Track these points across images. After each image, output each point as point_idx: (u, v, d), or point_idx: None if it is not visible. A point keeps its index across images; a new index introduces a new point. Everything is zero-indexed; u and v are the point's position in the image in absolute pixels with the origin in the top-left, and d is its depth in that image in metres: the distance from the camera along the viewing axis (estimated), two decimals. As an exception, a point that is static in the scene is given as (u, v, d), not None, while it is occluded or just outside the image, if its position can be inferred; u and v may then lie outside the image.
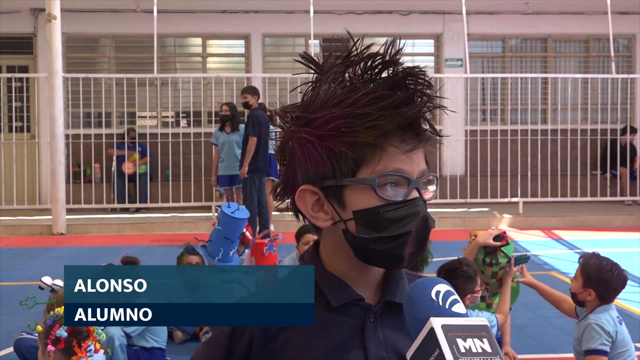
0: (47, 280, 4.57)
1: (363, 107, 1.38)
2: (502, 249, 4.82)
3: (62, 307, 3.83)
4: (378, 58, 1.43)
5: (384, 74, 1.43)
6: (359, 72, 1.43)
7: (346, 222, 1.43)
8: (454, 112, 1.52)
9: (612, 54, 13.42)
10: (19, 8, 13.97)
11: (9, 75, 13.39)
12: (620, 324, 4.20)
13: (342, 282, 1.45)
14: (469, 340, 1.17)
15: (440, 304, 1.25)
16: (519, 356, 5.19)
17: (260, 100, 11.06)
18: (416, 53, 15.15)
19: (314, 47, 13.59)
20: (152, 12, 12.76)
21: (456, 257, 4.97)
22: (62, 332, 3.57)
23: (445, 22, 14.81)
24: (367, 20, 14.42)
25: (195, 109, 13.73)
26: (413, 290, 1.28)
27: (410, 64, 1.44)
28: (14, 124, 13.62)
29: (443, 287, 1.27)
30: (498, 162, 13.54)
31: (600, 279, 4.11)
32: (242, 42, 14.85)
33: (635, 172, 14.07)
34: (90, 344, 3.61)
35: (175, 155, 13.68)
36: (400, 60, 1.43)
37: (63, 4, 11.84)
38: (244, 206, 6.90)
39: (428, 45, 15.16)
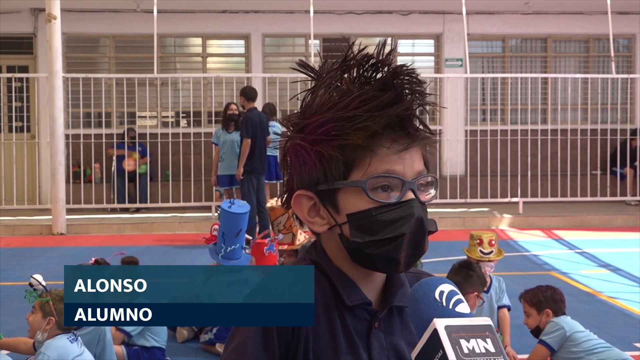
0: (38, 277, 4.56)
1: (353, 109, 1.37)
2: None
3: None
4: (371, 60, 1.41)
5: (380, 75, 1.41)
6: (354, 75, 1.42)
7: (341, 226, 1.42)
8: (444, 107, 1.51)
9: (612, 54, 13.42)
10: (19, 8, 13.97)
11: (9, 75, 13.38)
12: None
13: (353, 282, 1.44)
14: (472, 341, 1.17)
15: (444, 304, 1.25)
16: (519, 356, 5.19)
17: (259, 100, 11.06)
18: (416, 53, 15.15)
19: (314, 47, 13.59)
20: (152, 12, 12.76)
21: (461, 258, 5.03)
22: None
23: (445, 22, 14.81)
24: (367, 20, 14.42)
25: (195, 109, 13.73)
26: (417, 290, 1.28)
27: (402, 63, 1.42)
28: (14, 124, 13.62)
29: (447, 287, 1.27)
30: (498, 162, 13.54)
31: (549, 297, 4.67)
32: (242, 42, 14.85)
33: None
34: None
35: (175, 155, 13.68)
36: (392, 60, 1.42)
37: (63, 4, 11.84)
38: (244, 201, 6.78)
39: (428, 45, 15.16)
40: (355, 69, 1.42)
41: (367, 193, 1.38)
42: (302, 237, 6.44)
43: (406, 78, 1.40)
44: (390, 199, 1.39)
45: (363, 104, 1.37)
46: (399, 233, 1.38)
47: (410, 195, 1.40)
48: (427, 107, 1.44)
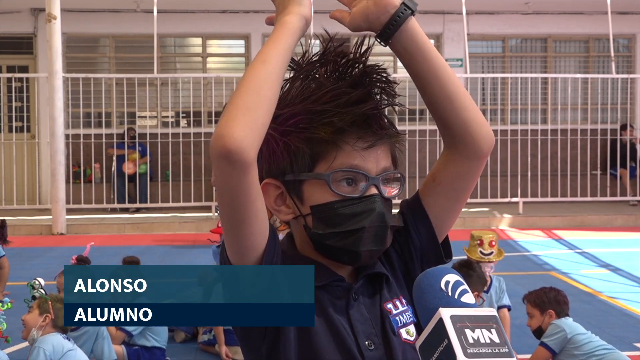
0: (41, 281, 4.61)
1: (323, 104, 1.41)
2: None
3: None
4: (345, 57, 1.45)
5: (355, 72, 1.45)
6: (330, 69, 1.45)
7: (305, 217, 1.45)
8: (407, 108, 1.54)
9: (612, 54, 13.41)
10: (19, 8, 13.96)
11: (9, 75, 13.38)
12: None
13: (321, 265, 1.47)
14: (477, 331, 1.18)
15: (450, 294, 1.26)
16: (519, 356, 5.19)
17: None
18: (416, 53, 15.14)
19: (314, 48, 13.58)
20: (152, 12, 12.76)
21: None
22: None
23: (445, 22, 14.81)
24: (367, 20, 14.40)
25: (195, 109, 13.72)
26: (422, 280, 1.29)
27: (374, 63, 1.46)
28: (14, 124, 13.61)
29: (453, 277, 1.28)
30: (498, 162, 13.54)
31: (552, 298, 4.70)
32: (242, 42, 14.85)
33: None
34: None
35: (175, 155, 13.68)
36: (367, 58, 1.45)
37: (63, 4, 11.83)
38: None
39: (428, 45, 15.15)
40: (331, 64, 1.45)
41: (330, 186, 1.41)
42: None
43: (376, 77, 1.43)
44: (353, 193, 1.42)
45: (333, 100, 1.41)
46: (359, 226, 1.41)
47: (373, 190, 1.43)
48: (396, 108, 1.47)
